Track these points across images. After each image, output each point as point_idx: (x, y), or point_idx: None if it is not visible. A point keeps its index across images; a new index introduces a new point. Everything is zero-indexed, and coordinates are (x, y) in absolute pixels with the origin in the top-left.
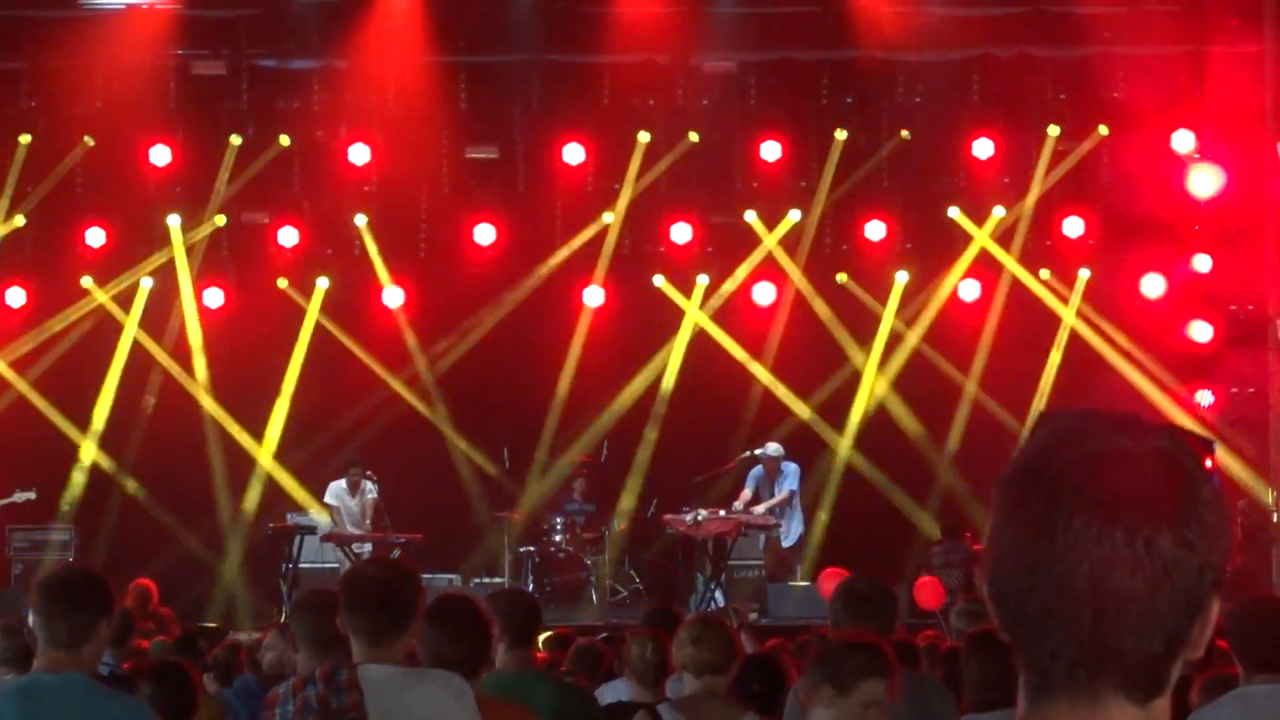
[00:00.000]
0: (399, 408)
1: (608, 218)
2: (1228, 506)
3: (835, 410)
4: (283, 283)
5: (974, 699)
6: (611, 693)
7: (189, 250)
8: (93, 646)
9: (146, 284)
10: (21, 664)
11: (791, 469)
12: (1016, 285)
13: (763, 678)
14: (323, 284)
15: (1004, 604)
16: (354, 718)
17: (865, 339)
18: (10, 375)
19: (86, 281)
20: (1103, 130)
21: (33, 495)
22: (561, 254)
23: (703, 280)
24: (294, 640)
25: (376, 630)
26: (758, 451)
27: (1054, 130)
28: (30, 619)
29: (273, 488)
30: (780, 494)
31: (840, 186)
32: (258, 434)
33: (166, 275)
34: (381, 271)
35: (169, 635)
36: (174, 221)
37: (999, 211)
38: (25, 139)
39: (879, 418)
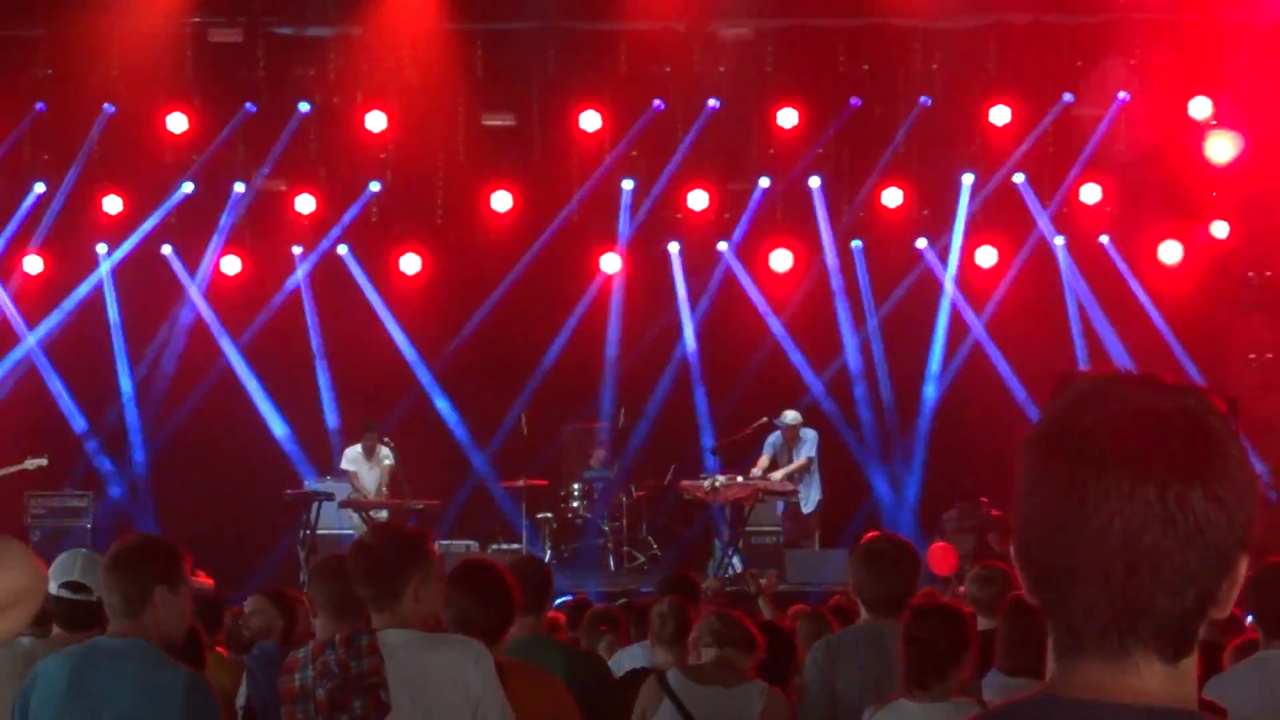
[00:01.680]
0: (416, 374)
1: (626, 184)
2: (1250, 469)
3: (848, 378)
4: (298, 249)
5: (1002, 663)
6: (630, 659)
7: (208, 217)
8: (152, 614)
9: (166, 250)
10: (40, 624)
11: (810, 435)
12: (1033, 251)
13: (772, 646)
14: (342, 251)
15: (1033, 565)
16: (374, 682)
17: (881, 305)
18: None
19: (102, 248)
20: (1120, 96)
21: (44, 461)
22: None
23: (720, 246)
24: (313, 605)
25: (373, 597)
26: (775, 419)
27: (1070, 97)
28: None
29: (291, 453)
30: (798, 460)
31: (857, 153)
32: (276, 399)
33: (184, 241)
34: None
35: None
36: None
37: (1016, 178)
38: (42, 106)
39: (896, 384)
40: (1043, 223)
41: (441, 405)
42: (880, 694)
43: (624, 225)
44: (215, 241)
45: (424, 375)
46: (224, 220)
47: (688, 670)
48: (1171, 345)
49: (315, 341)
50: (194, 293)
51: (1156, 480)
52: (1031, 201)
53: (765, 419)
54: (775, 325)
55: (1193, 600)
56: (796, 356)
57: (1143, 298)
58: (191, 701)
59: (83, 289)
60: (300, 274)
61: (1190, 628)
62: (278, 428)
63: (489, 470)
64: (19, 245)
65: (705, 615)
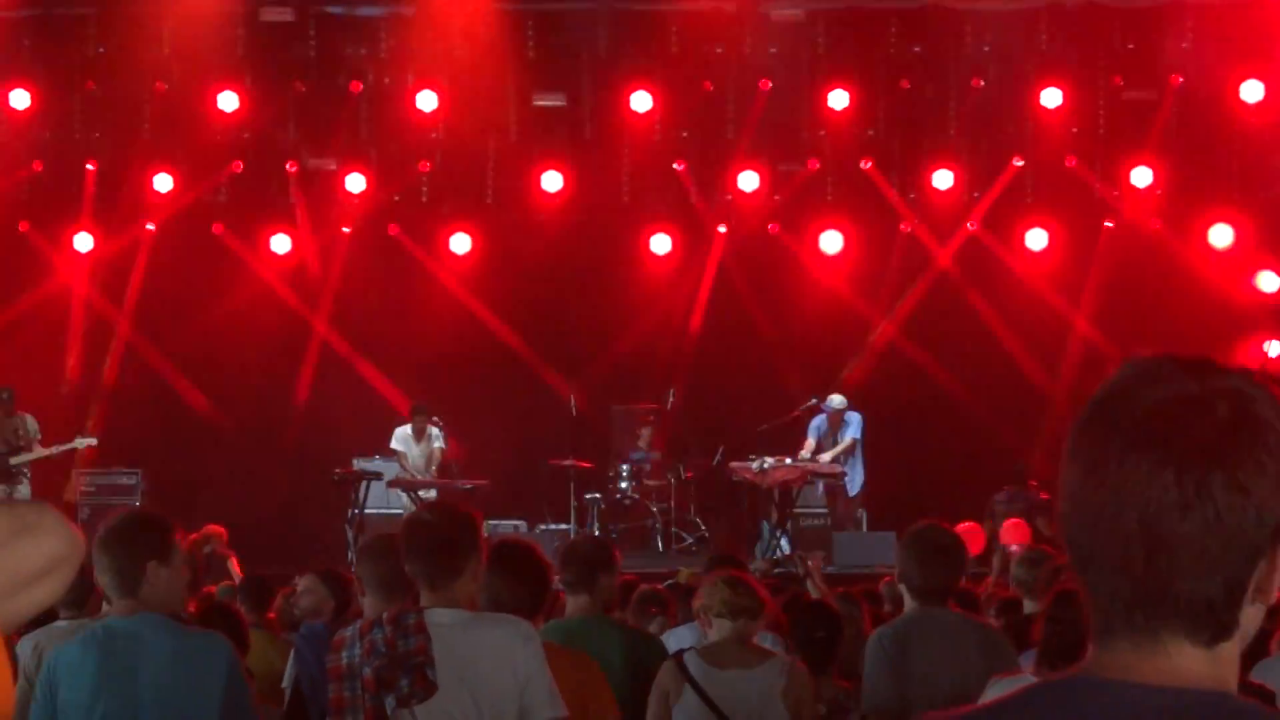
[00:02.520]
0: (465, 354)
1: (676, 165)
2: None
3: (898, 360)
4: (346, 229)
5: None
6: (677, 640)
7: (257, 196)
8: (149, 589)
9: (217, 229)
10: (80, 605)
11: (854, 418)
12: (1084, 235)
13: (822, 625)
14: (393, 230)
15: (1070, 545)
16: (421, 661)
17: (932, 287)
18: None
19: (151, 227)
20: (1172, 79)
21: (93, 441)
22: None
23: (770, 228)
24: (361, 584)
25: (432, 574)
26: (822, 403)
27: (1122, 80)
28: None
29: (340, 433)
30: (844, 442)
31: (907, 135)
32: (326, 378)
33: (233, 220)
34: None
35: (230, 580)
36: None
37: (1068, 161)
38: (93, 85)
39: (944, 367)
40: (1094, 206)
41: (490, 385)
42: (949, 680)
43: (674, 206)
44: (263, 220)
45: (472, 355)
46: (272, 199)
47: (706, 653)
48: (1222, 329)
49: (363, 321)
50: (246, 271)
51: (1176, 464)
52: (1084, 185)
53: (813, 401)
54: (824, 307)
55: (1219, 587)
56: (844, 339)
57: (1193, 280)
58: (231, 669)
59: (131, 266)
60: (350, 254)
61: (1223, 615)
62: (326, 406)
63: (537, 450)
64: (70, 222)
65: (711, 582)
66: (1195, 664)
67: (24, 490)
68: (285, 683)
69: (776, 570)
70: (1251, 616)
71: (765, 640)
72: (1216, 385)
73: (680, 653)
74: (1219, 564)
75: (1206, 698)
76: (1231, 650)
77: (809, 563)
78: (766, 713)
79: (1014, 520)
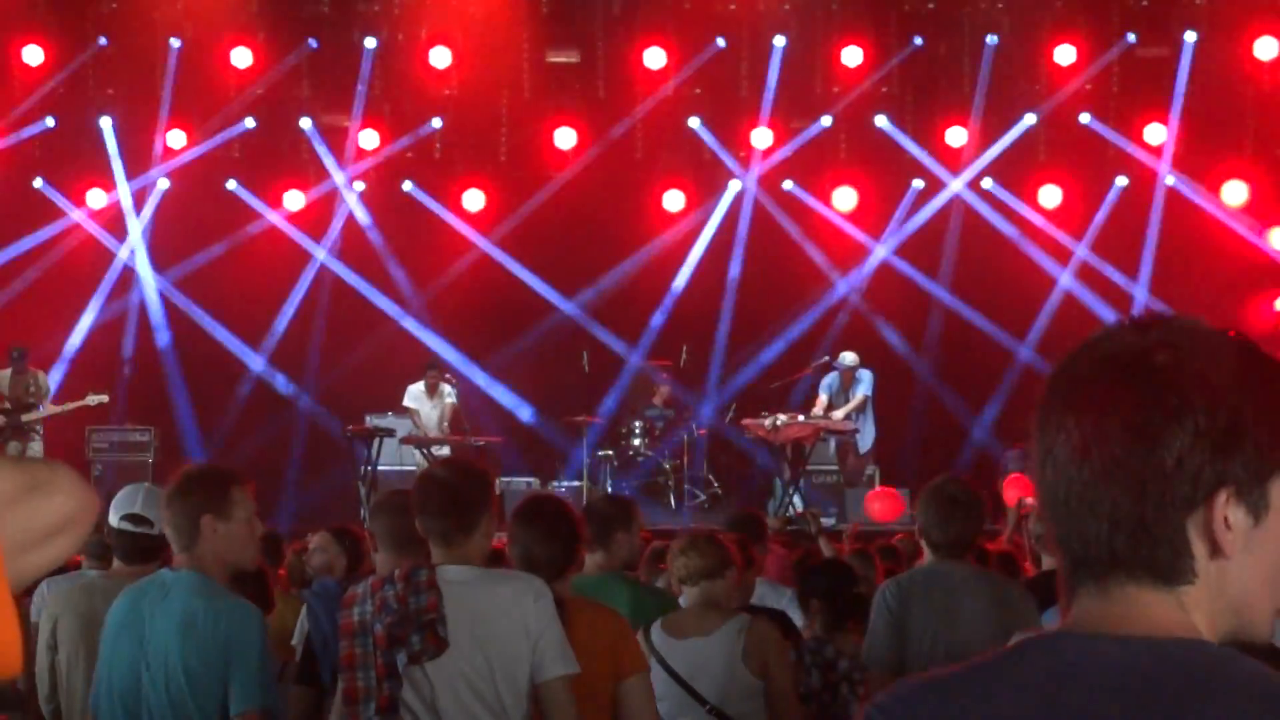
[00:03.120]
0: (478, 312)
1: (692, 122)
2: (1270, 410)
3: (912, 317)
4: (360, 185)
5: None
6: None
7: (271, 152)
8: (205, 544)
9: (231, 185)
10: (103, 557)
11: (866, 376)
12: (1096, 192)
13: (834, 581)
14: (407, 187)
15: (1042, 509)
16: (432, 618)
17: (939, 243)
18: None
19: (164, 184)
20: (1187, 36)
21: (105, 398)
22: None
23: (786, 185)
24: (374, 540)
25: (445, 531)
26: (834, 360)
27: (1135, 37)
28: (111, 517)
29: (352, 388)
30: (855, 399)
31: (920, 92)
32: (339, 334)
33: (247, 176)
34: None
35: None
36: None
37: (1083, 118)
38: (105, 41)
39: (958, 325)
40: (1107, 163)
41: (502, 342)
42: (951, 635)
43: (687, 163)
44: (276, 176)
45: (484, 313)
46: (285, 156)
47: (668, 624)
48: (1236, 287)
49: (376, 279)
50: (259, 228)
51: (1076, 413)
52: (1096, 141)
53: (825, 359)
54: (838, 265)
55: (1135, 531)
56: (856, 295)
57: (1207, 237)
58: (229, 629)
59: (144, 223)
60: (363, 210)
61: (1158, 557)
62: (339, 362)
63: (550, 407)
64: (83, 178)
65: (676, 546)
66: (1164, 610)
67: (36, 447)
68: (295, 639)
69: (790, 528)
70: (1224, 575)
71: (783, 596)
72: (1161, 337)
73: (649, 625)
74: (1127, 511)
75: (1182, 645)
76: (1199, 597)
77: (821, 520)
78: (731, 678)
79: (1015, 475)
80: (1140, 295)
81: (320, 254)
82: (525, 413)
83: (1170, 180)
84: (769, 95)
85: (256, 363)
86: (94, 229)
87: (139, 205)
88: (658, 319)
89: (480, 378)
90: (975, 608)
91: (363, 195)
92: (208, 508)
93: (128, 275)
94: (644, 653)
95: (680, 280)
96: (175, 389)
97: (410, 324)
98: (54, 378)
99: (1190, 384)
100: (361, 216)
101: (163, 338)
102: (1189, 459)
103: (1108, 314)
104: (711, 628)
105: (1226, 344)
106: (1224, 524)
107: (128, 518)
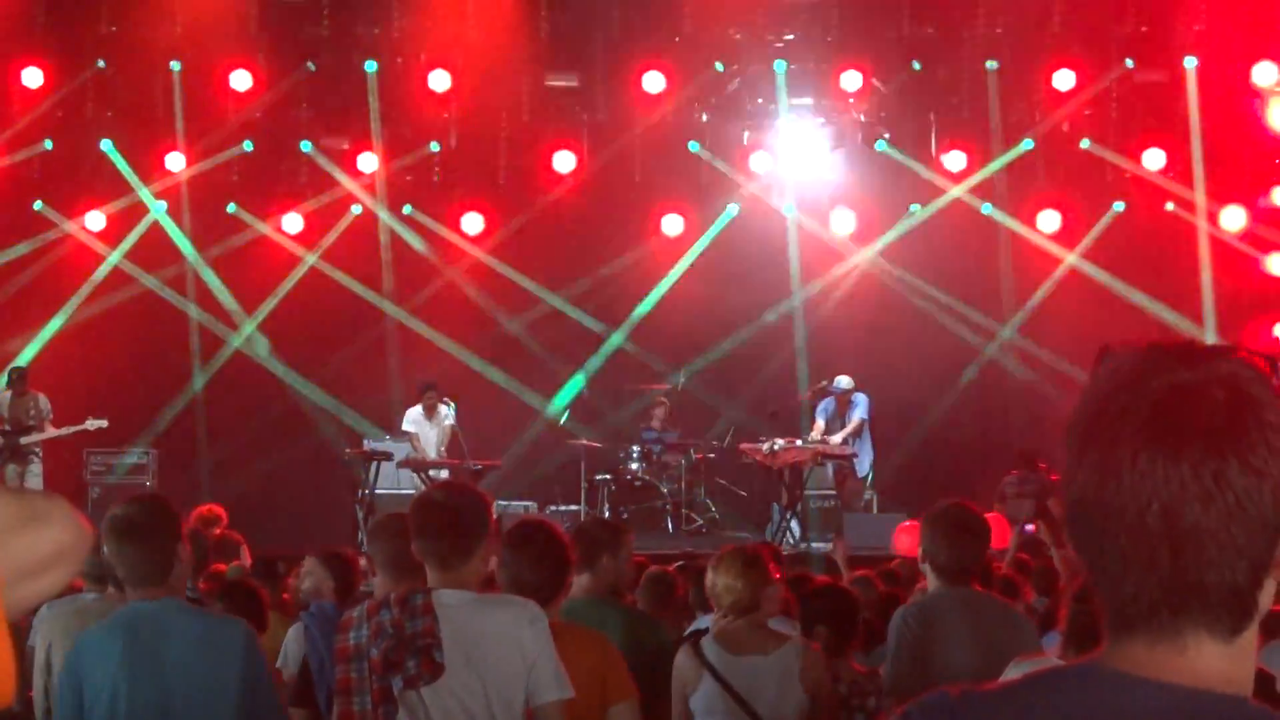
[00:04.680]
0: (477, 335)
1: (692, 146)
2: None
3: (906, 342)
4: (358, 209)
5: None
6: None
7: (270, 175)
8: (177, 572)
9: (232, 209)
10: (101, 580)
11: (861, 399)
12: (1095, 217)
13: (834, 607)
14: (406, 210)
15: (1083, 549)
16: (428, 642)
17: (942, 268)
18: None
19: (161, 206)
20: (1185, 63)
21: (104, 423)
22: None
23: (785, 209)
24: (371, 564)
25: (443, 554)
26: (829, 384)
27: (1133, 62)
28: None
29: (351, 413)
30: (852, 423)
31: (920, 116)
32: (336, 358)
33: (245, 199)
34: None
35: (240, 560)
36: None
37: (1082, 143)
38: (104, 64)
39: (953, 346)
40: (1106, 187)
41: (501, 365)
42: (967, 659)
43: (686, 186)
44: (275, 199)
45: (484, 336)
46: (285, 178)
47: (723, 638)
48: (1232, 311)
49: (375, 300)
50: (257, 250)
51: (1190, 458)
52: (1095, 166)
53: (822, 383)
54: (837, 287)
55: (1244, 574)
56: (858, 319)
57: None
58: (250, 650)
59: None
60: (361, 233)
61: (1246, 601)
62: (337, 385)
63: (548, 431)
64: (83, 201)
65: (719, 567)
66: (1215, 661)
67: (35, 469)
68: (279, 662)
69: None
70: (1267, 592)
71: (783, 626)
72: (1210, 371)
73: (695, 638)
74: (1244, 550)
75: (1222, 702)
76: (1250, 640)
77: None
78: (785, 697)
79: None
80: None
81: (319, 277)
82: (523, 436)
83: (1170, 205)
84: (768, 120)
85: (254, 386)
86: (93, 252)
87: (136, 227)
88: (656, 341)
89: (479, 400)
90: (992, 632)
91: (361, 218)
92: (178, 538)
93: (125, 298)
94: (630, 678)
95: (677, 303)
96: (174, 412)
97: (409, 347)
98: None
99: (1266, 413)
100: (359, 240)
101: (159, 360)
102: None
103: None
104: (771, 647)
105: (1257, 370)
106: None
107: None
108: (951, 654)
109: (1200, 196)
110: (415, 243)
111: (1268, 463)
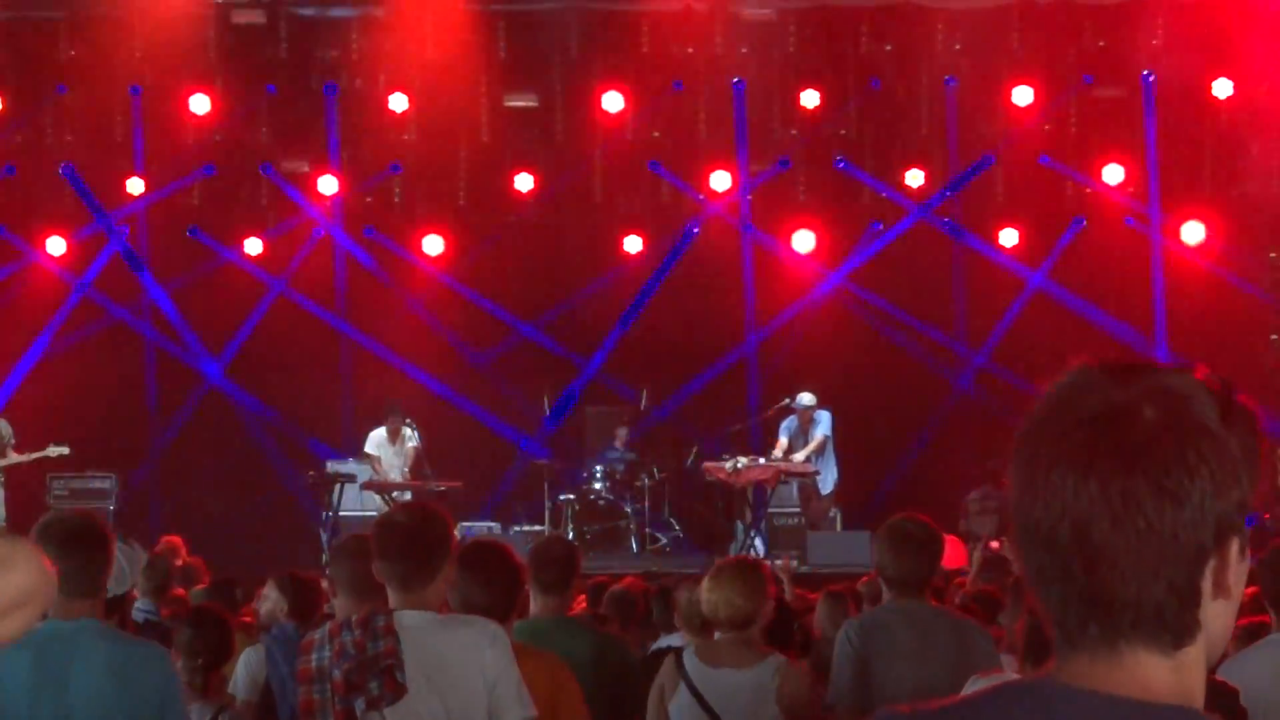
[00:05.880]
0: (438, 356)
1: (648, 166)
2: (1249, 449)
3: (868, 359)
4: (319, 231)
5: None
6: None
7: (230, 199)
8: (102, 592)
9: (190, 231)
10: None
11: (824, 416)
12: (1054, 233)
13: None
14: (366, 232)
15: (1019, 559)
16: (390, 664)
17: (906, 287)
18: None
19: (123, 230)
20: (1143, 77)
21: (66, 450)
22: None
23: (744, 228)
24: (333, 586)
25: (406, 575)
26: (791, 402)
27: (1092, 78)
28: None
29: (313, 435)
30: (815, 440)
31: (879, 134)
32: (298, 381)
33: (206, 223)
34: None
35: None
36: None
37: (1041, 159)
38: (64, 89)
39: (916, 364)
40: (1066, 203)
41: (463, 387)
42: (914, 673)
43: (646, 206)
44: (236, 223)
45: (445, 356)
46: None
47: (703, 651)
48: (1193, 327)
49: (336, 323)
50: (219, 274)
51: (1099, 476)
52: (1055, 182)
53: (785, 401)
54: (796, 306)
55: (1165, 593)
56: (819, 337)
57: (1165, 279)
58: (159, 676)
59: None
60: (322, 256)
61: (1174, 618)
62: (299, 408)
63: (511, 452)
64: (43, 226)
65: (714, 586)
66: (1159, 673)
67: None
68: (230, 687)
69: None
70: (1217, 614)
71: None
72: (1146, 389)
73: (680, 650)
74: (1159, 571)
75: (1171, 713)
76: (1195, 654)
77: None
78: (759, 713)
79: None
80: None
81: (280, 300)
82: (485, 457)
83: (1129, 220)
84: (727, 138)
85: (216, 409)
86: (54, 278)
87: (98, 252)
88: (617, 361)
89: (441, 422)
90: (939, 646)
91: (321, 241)
92: (109, 557)
93: (87, 321)
94: (584, 702)
95: (640, 322)
96: (136, 436)
97: (370, 369)
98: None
99: (1194, 436)
100: (320, 262)
101: (121, 384)
102: (1209, 509)
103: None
104: (750, 662)
105: (1202, 388)
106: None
107: None
108: (895, 668)
109: (1156, 211)
110: (375, 264)
111: (1184, 486)
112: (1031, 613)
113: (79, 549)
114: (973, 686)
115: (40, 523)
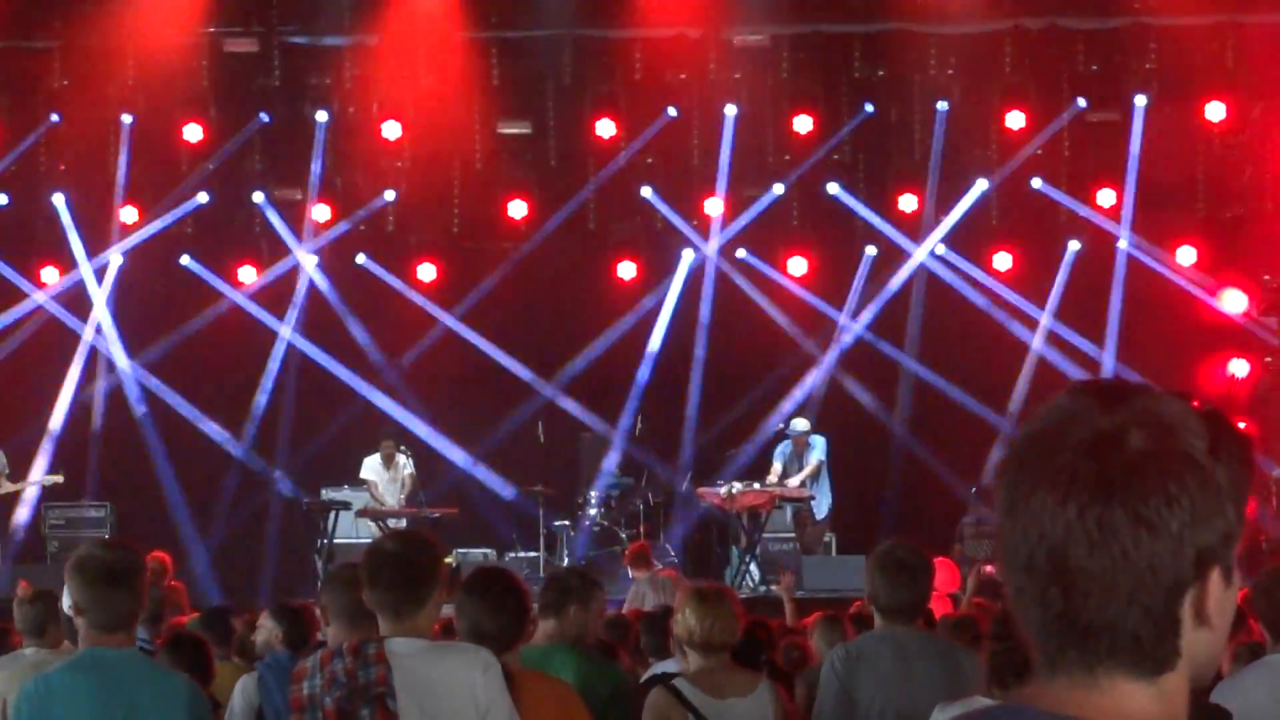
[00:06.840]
0: (432, 383)
1: (643, 191)
2: (1238, 480)
3: (871, 381)
4: (312, 260)
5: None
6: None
7: (223, 227)
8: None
9: (185, 260)
10: (40, 634)
11: (819, 441)
12: (1049, 256)
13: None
14: (360, 260)
15: (1004, 582)
16: (382, 691)
17: (897, 310)
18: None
19: (118, 259)
20: (1136, 101)
21: (59, 479)
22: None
23: (739, 253)
24: (325, 614)
25: (395, 604)
26: (786, 427)
27: (1085, 102)
28: (66, 597)
29: (308, 463)
30: (810, 465)
31: (872, 159)
32: (294, 408)
33: (200, 251)
34: None
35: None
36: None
37: (1035, 183)
38: (57, 118)
39: (913, 391)
40: (1059, 227)
41: (457, 414)
42: (901, 701)
43: (640, 233)
44: (230, 251)
45: (439, 384)
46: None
47: (700, 680)
48: (1189, 350)
49: (331, 351)
50: (213, 303)
51: (1077, 502)
52: (1048, 206)
53: (780, 426)
54: (791, 332)
55: (1139, 621)
56: (811, 362)
57: (1158, 300)
58: (195, 705)
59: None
60: (316, 285)
61: (1156, 646)
62: (294, 436)
63: (506, 478)
64: (38, 256)
65: (691, 606)
66: (1136, 699)
67: None
68: (226, 715)
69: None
70: (1200, 642)
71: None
72: (1134, 415)
73: (668, 680)
74: (1135, 598)
75: None
76: (1177, 681)
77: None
78: None
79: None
80: (1105, 360)
81: (275, 329)
82: (480, 484)
83: (1124, 244)
84: (720, 164)
85: (211, 437)
86: (57, 310)
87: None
88: (611, 387)
89: (442, 446)
90: (925, 673)
91: (315, 270)
92: (145, 585)
93: (81, 351)
94: None
95: (633, 348)
96: (131, 464)
97: (365, 397)
98: (39, 461)
99: (1177, 465)
100: (321, 290)
101: (116, 413)
102: (1188, 539)
103: (1070, 376)
104: (748, 689)
105: (1193, 416)
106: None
107: None
108: (879, 695)
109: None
110: (369, 292)
111: (1161, 515)
112: (994, 639)
113: (123, 580)
114: (939, 715)
115: (82, 552)
